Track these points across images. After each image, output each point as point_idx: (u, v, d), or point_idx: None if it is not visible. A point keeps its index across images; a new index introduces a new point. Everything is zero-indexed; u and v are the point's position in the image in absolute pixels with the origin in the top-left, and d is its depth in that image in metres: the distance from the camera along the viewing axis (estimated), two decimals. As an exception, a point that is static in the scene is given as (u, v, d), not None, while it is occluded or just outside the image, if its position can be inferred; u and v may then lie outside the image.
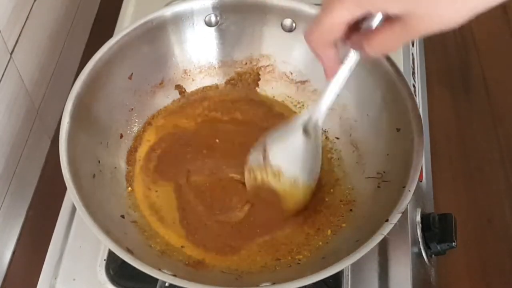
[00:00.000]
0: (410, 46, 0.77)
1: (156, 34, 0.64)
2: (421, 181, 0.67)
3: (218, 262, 0.56)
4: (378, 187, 0.58)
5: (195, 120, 0.66)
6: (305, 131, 0.55)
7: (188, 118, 0.66)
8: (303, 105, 0.67)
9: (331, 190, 0.61)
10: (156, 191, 0.61)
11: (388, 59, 0.59)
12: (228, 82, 0.69)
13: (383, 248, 0.60)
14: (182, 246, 0.57)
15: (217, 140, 0.64)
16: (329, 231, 0.58)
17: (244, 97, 0.68)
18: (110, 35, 0.63)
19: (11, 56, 0.68)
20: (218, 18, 0.66)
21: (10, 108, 0.69)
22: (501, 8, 1.02)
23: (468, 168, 0.86)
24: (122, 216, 0.57)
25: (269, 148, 0.56)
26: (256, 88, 0.69)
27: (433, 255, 0.63)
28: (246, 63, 0.68)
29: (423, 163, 0.58)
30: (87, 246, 0.60)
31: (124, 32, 0.62)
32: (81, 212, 0.50)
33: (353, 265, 0.54)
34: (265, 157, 0.56)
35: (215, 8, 0.65)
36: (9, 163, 0.71)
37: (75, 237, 0.61)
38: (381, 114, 0.61)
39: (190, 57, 0.67)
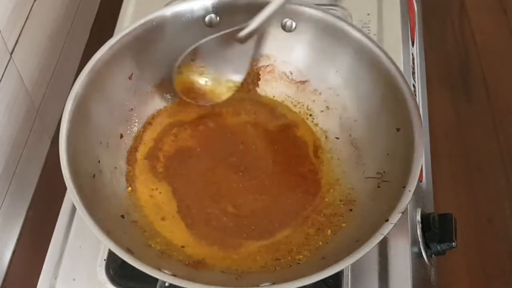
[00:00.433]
0: (410, 46, 0.77)
1: (156, 34, 0.64)
2: (421, 181, 0.67)
3: (218, 261, 0.56)
4: (378, 187, 0.58)
5: (196, 120, 0.66)
6: (240, 39, 0.61)
7: (189, 118, 0.66)
8: (303, 105, 0.67)
9: (331, 190, 0.61)
10: (156, 188, 0.61)
11: (388, 59, 0.59)
12: (228, 82, 0.69)
13: (383, 248, 0.60)
14: (182, 246, 0.57)
15: (217, 140, 0.64)
16: (329, 231, 0.58)
17: (245, 97, 0.68)
18: (110, 35, 0.63)
19: (11, 56, 0.68)
20: (218, 18, 0.66)
21: (10, 108, 0.69)
22: (501, 8, 1.02)
23: (468, 168, 0.86)
24: (122, 216, 0.57)
25: (199, 52, 0.62)
26: (256, 88, 0.69)
27: (433, 255, 0.63)
28: (246, 63, 0.68)
29: (423, 163, 0.58)
30: (87, 246, 0.60)
31: (124, 32, 0.62)
32: (81, 212, 0.50)
33: (353, 265, 0.54)
34: (194, 59, 0.62)
35: (215, 8, 0.65)
36: (9, 163, 0.71)
37: (75, 237, 0.61)
38: (381, 114, 0.61)
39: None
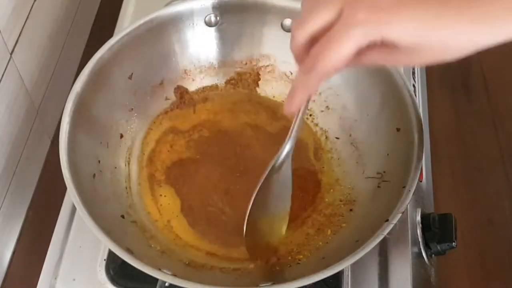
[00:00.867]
0: (410, 46, 0.77)
1: (156, 34, 0.64)
2: (421, 181, 0.67)
3: (219, 261, 0.56)
4: (378, 187, 0.58)
5: (196, 120, 0.66)
6: (273, 169, 0.53)
7: (189, 118, 0.66)
8: (302, 105, 0.67)
9: (331, 190, 0.61)
10: (160, 186, 0.61)
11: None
12: (228, 82, 0.69)
13: (383, 248, 0.60)
14: (182, 246, 0.57)
15: (217, 141, 0.64)
16: (329, 231, 0.58)
17: (245, 97, 0.68)
18: (110, 35, 0.63)
19: (11, 56, 0.68)
20: (218, 18, 0.66)
21: (10, 108, 0.69)
22: (501, 8, 1.02)
23: (468, 168, 0.86)
24: (122, 216, 0.57)
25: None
26: (256, 88, 0.69)
27: (433, 255, 0.63)
28: (246, 63, 0.68)
29: (423, 163, 0.58)
30: (87, 246, 0.60)
31: (124, 32, 0.62)
32: (81, 212, 0.50)
33: (353, 265, 0.54)
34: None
35: (215, 8, 0.65)
36: (9, 163, 0.71)
37: (75, 237, 0.61)
38: (381, 114, 0.61)
39: (190, 57, 0.67)
